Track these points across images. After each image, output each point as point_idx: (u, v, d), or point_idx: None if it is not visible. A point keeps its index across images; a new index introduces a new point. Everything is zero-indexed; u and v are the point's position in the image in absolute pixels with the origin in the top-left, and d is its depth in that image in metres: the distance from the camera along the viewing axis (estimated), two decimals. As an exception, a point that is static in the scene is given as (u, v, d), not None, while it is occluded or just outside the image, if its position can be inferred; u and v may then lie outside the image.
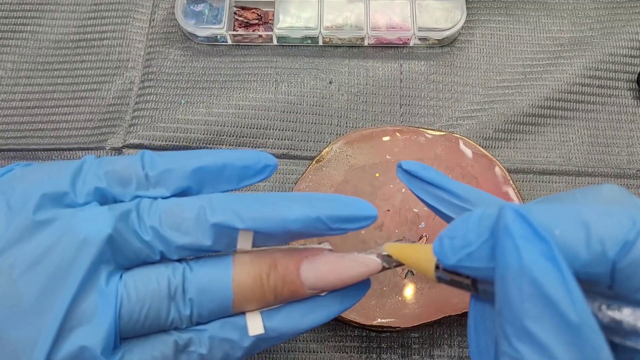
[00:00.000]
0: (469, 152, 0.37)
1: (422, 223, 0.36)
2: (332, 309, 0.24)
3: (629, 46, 0.43)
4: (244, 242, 0.23)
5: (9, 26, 0.44)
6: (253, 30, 0.43)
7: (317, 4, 0.43)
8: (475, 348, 0.22)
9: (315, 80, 0.42)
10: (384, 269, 0.24)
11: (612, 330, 0.17)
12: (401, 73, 0.43)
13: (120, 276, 0.22)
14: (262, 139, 0.40)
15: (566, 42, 0.44)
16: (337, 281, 0.23)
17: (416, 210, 0.36)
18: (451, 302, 0.33)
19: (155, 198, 0.23)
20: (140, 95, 0.42)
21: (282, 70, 0.42)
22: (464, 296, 0.33)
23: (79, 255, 0.20)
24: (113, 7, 0.45)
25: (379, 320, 0.33)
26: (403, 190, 0.37)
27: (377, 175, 0.37)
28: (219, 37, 0.43)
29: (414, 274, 0.35)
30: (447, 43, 0.43)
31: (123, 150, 0.40)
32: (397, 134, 0.38)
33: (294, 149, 0.40)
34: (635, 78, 0.42)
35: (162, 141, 0.40)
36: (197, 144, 0.40)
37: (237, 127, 0.40)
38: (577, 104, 0.42)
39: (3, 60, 0.43)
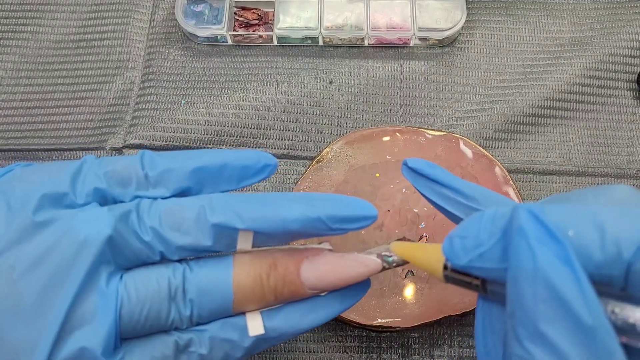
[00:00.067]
0: (469, 152, 0.37)
1: (422, 223, 0.36)
2: (332, 308, 0.24)
3: (629, 46, 0.43)
4: (244, 242, 0.23)
5: (9, 26, 0.44)
6: (253, 31, 0.43)
7: (317, 4, 0.43)
8: (483, 349, 0.22)
9: (316, 80, 0.42)
10: (384, 269, 0.24)
11: (625, 333, 0.17)
12: (401, 73, 0.43)
13: (121, 277, 0.22)
14: (262, 139, 0.40)
15: (566, 42, 0.44)
16: (337, 281, 0.23)
17: (416, 210, 0.36)
18: (451, 302, 0.33)
19: (155, 198, 0.23)
20: (141, 95, 0.42)
21: (282, 71, 0.42)
22: (464, 296, 0.33)
23: (79, 256, 0.20)
24: (113, 7, 0.45)
25: (379, 320, 0.33)
26: (403, 190, 0.37)
27: (377, 175, 0.37)
28: (219, 37, 0.43)
29: (414, 274, 0.35)
30: (447, 43, 0.44)
31: (123, 150, 0.40)
32: (397, 134, 0.38)
33: (294, 149, 0.40)
34: (635, 78, 0.42)
35: (163, 141, 0.40)
36: (197, 144, 0.40)
37: (237, 127, 0.40)
38: (577, 104, 0.42)
39: (3, 61, 0.43)
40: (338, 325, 0.35)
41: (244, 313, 0.23)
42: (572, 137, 0.41)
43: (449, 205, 0.25)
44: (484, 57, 0.43)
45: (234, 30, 0.43)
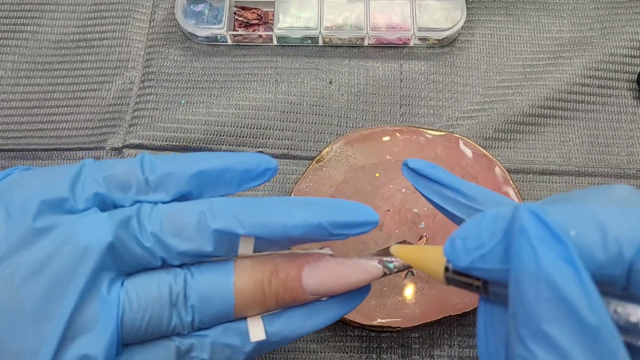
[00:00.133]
0: (469, 152, 0.37)
1: (422, 223, 0.36)
2: (333, 313, 0.24)
3: (629, 46, 0.43)
4: (246, 247, 0.23)
5: (9, 26, 0.44)
6: (253, 30, 0.43)
7: (317, 4, 0.43)
8: (485, 350, 0.22)
9: (315, 80, 0.42)
10: (385, 274, 0.24)
11: (628, 332, 0.17)
12: (401, 73, 0.43)
13: (122, 283, 0.21)
14: (262, 139, 0.40)
15: (566, 42, 0.44)
16: (338, 287, 0.23)
17: (416, 210, 0.36)
18: (451, 302, 0.33)
19: (155, 203, 0.23)
20: (140, 95, 0.42)
21: (282, 70, 0.42)
22: (464, 296, 0.33)
23: (80, 263, 0.20)
24: (113, 7, 0.45)
25: (379, 320, 0.33)
26: (403, 190, 0.37)
27: (377, 175, 0.37)
28: (219, 37, 0.43)
29: (414, 274, 0.35)
30: (447, 43, 0.44)
31: (123, 150, 0.40)
32: (397, 134, 0.38)
33: (294, 149, 0.40)
34: (635, 78, 0.42)
35: (162, 141, 0.40)
36: (197, 144, 0.40)
37: (237, 127, 0.40)
38: (577, 104, 0.42)
39: (3, 60, 0.43)
40: (338, 325, 0.35)
41: (245, 318, 0.23)
42: (572, 137, 0.41)
43: (449, 205, 0.25)
44: (484, 57, 0.43)
45: (234, 30, 0.43)
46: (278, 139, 0.40)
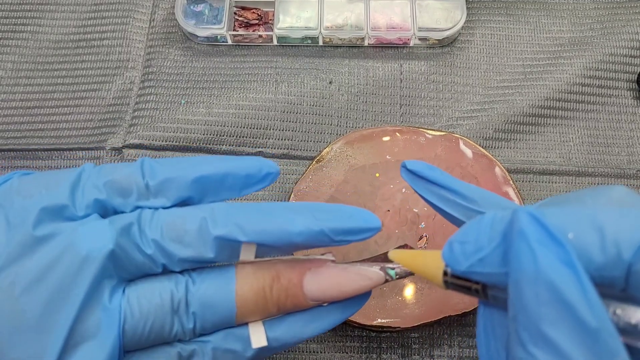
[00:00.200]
0: (469, 152, 0.37)
1: (422, 223, 0.36)
2: (334, 318, 0.24)
3: (629, 46, 0.43)
4: (247, 253, 0.22)
5: (9, 26, 0.44)
6: (253, 31, 0.43)
7: (317, 4, 0.43)
8: (486, 353, 0.22)
9: (315, 80, 0.42)
10: (386, 281, 0.24)
11: (627, 334, 0.17)
12: (401, 73, 0.43)
13: (123, 290, 0.21)
14: (262, 139, 0.40)
15: (566, 42, 0.44)
16: (340, 294, 0.23)
17: (416, 210, 0.36)
18: (451, 302, 0.33)
19: (156, 208, 0.22)
20: (140, 95, 0.42)
21: (282, 70, 0.42)
22: (464, 297, 0.33)
23: (81, 272, 0.20)
24: (113, 7, 0.45)
25: (379, 320, 0.33)
26: (403, 190, 0.37)
27: (377, 175, 0.37)
28: (219, 37, 0.43)
29: (413, 274, 0.35)
30: (447, 43, 0.44)
31: (123, 150, 0.40)
32: (397, 134, 0.38)
33: (294, 149, 0.40)
34: (635, 78, 0.42)
35: (162, 141, 0.40)
36: (197, 144, 0.40)
37: (237, 127, 0.40)
38: (577, 104, 0.42)
39: (3, 60, 0.43)
40: (338, 325, 0.35)
41: (246, 323, 0.23)
42: (572, 137, 0.41)
43: (448, 207, 0.25)
44: (484, 57, 0.43)
45: (234, 30, 0.43)
46: (278, 139, 0.40)
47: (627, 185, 0.40)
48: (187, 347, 0.22)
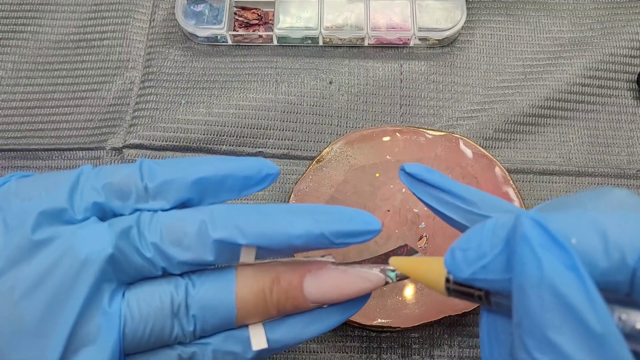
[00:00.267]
0: (469, 152, 0.37)
1: (422, 223, 0.36)
2: (333, 319, 0.24)
3: (629, 46, 0.43)
4: (247, 256, 0.22)
5: (9, 26, 0.44)
6: (253, 31, 0.43)
7: (317, 4, 0.43)
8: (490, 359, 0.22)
9: (316, 80, 0.42)
10: (386, 283, 0.24)
11: (633, 339, 0.17)
12: (401, 73, 0.43)
13: (123, 293, 0.21)
14: (262, 139, 0.40)
15: (566, 42, 0.44)
16: (340, 296, 0.23)
17: (416, 210, 0.36)
18: (451, 302, 0.33)
19: (155, 210, 0.22)
20: (141, 95, 0.42)
21: (282, 71, 0.42)
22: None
23: (80, 276, 0.20)
24: (113, 7, 0.45)
25: (379, 320, 0.33)
26: (403, 190, 0.37)
27: (377, 175, 0.37)
28: (219, 37, 0.43)
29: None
30: (447, 43, 0.44)
31: (123, 150, 0.40)
32: (397, 134, 0.38)
33: (294, 149, 0.40)
34: (635, 78, 0.42)
35: (162, 141, 0.40)
36: (197, 144, 0.40)
37: (237, 127, 0.40)
38: (577, 104, 0.42)
39: (3, 60, 0.43)
40: (338, 325, 0.35)
41: (246, 325, 0.23)
42: (572, 137, 0.41)
43: (447, 210, 0.25)
44: (484, 57, 0.43)
45: (234, 30, 0.43)
46: (278, 139, 0.40)
47: (627, 185, 0.40)
48: (187, 349, 0.22)
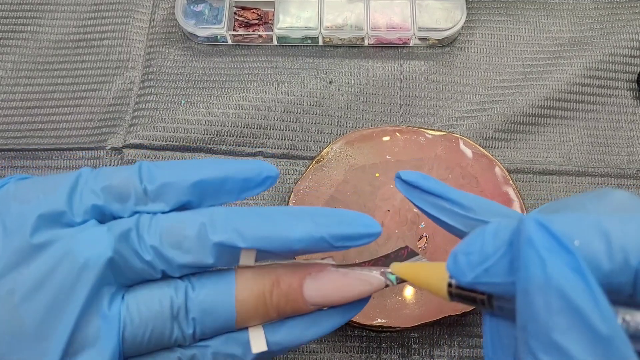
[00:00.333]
0: (469, 152, 0.37)
1: (422, 223, 0.36)
2: (333, 321, 0.24)
3: (629, 46, 0.43)
4: (247, 259, 0.22)
5: (9, 26, 0.44)
6: (253, 30, 0.43)
7: (317, 4, 0.43)
8: None
9: (315, 80, 0.42)
10: (387, 286, 0.24)
11: (637, 340, 0.17)
12: (401, 73, 0.43)
13: (122, 297, 0.21)
14: (262, 139, 0.40)
15: (566, 42, 0.44)
16: (340, 299, 0.23)
17: (416, 210, 0.36)
18: (451, 302, 0.33)
19: (154, 213, 0.22)
20: (140, 95, 0.42)
21: (282, 70, 0.42)
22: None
23: (79, 280, 0.20)
24: (113, 7, 0.45)
25: (379, 320, 0.33)
26: (403, 190, 0.37)
27: (377, 175, 0.37)
28: (219, 37, 0.43)
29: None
30: (447, 43, 0.44)
31: (123, 150, 0.40)
32: (397, 134, 0.38)
33: (294, 149, 0.40)
34: (635, 78, 0.42)
35: (162, 141, 0.40)
36: (197, 144, 0.40)
37: (237, 127, 0.40)
38: (577, 104, 0.42)
39: (3, 60, 0.43)
40: (338, 325, 0.35)
41: (246, 328, 0.23)
42: (572, 137, 0.41)
43: (445, 216, 0.25)
44: (484, 57, 0.43)
45: (234, 30, 0.43)
46: (278, 139, 0.40)
47: (627, 185, 0.40)
48: (187, 352, 0.22)
